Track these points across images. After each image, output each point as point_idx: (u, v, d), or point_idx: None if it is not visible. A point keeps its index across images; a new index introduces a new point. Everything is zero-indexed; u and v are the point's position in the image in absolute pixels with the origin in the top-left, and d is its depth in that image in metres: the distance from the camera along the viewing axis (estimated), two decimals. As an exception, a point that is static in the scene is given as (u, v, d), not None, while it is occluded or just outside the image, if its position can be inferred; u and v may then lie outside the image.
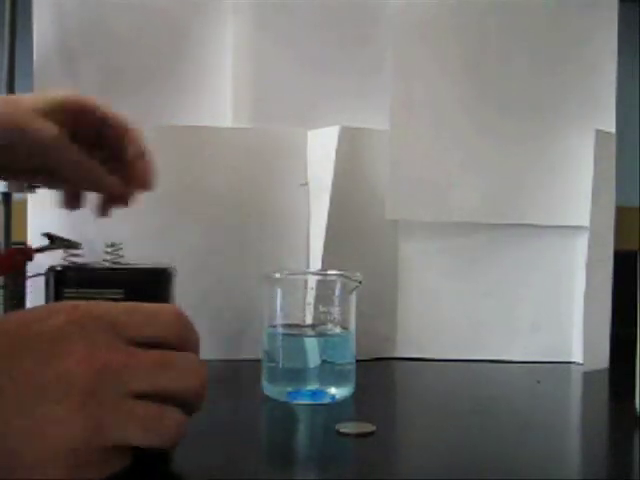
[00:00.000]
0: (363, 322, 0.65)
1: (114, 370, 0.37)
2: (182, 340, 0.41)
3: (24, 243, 0.70)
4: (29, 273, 0.65)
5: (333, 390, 0.60)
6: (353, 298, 0.63)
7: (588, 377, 0.75)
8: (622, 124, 0.82)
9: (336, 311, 0.62)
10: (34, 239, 0.70)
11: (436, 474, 0.44)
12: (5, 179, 0.67)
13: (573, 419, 0.63)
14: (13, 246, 0.72)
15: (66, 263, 0.49)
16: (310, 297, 0.62)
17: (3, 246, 0.73)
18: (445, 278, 0.80)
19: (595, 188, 0.78)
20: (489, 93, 0.80)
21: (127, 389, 0.37)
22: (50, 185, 0.64)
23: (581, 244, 0.79)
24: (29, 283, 0.67)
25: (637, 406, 0.55)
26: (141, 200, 0.65)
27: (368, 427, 0.51)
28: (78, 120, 0.59)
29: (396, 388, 0.70)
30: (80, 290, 0.46)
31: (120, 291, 0.47)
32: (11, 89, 0.72)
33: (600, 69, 0.80)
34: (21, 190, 0.73)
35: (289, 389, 0.60)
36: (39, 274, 0.55)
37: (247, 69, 0.78)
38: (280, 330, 0.61)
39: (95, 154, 0.60)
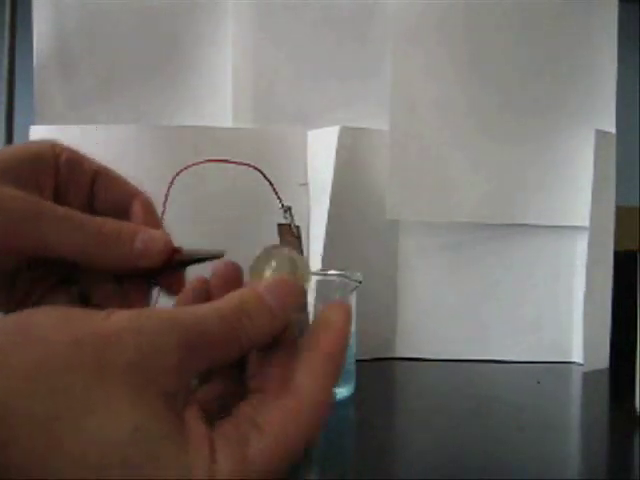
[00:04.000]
0: (363, 322, 0.65)
1: None
2: None
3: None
4: None
5: (333, 390, 0.60)
6: (353, 298, 0.62)
7: (588, 377, 0.74)
8: (622, 124, 0.81)
9: (336, 311, 0.62)
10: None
11: (436, 474, 0.44)
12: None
13: (573, 419, 0.63)
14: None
15: None
16: (310, 297, 0.62)
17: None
18: (445, 278, 0.80)
19: (595, 188, 0.78)
20: (489, 93, 0.80)
21: None
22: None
23: (581, 244, 0.79)
24: None
25: (637, 406, 0.55)
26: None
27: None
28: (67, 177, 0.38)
29: (396, 388, 0.70)
30: None
31: None
32: (11, 89, 0.72)
33: (600, 69, 0.80)
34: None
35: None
36: None
37: (247, 69, 0.78)
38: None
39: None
